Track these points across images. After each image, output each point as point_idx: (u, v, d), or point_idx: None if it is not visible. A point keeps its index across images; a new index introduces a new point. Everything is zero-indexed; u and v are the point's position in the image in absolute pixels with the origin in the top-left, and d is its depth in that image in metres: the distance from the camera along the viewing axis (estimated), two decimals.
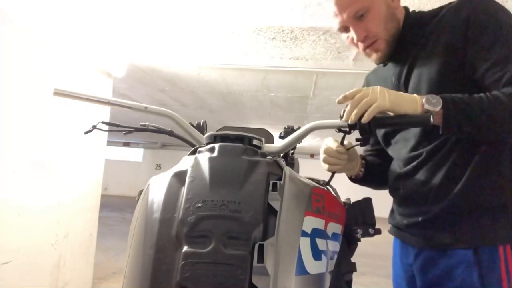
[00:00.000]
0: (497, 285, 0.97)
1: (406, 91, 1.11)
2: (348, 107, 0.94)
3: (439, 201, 1.06)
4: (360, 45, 1.12)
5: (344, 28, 1.12)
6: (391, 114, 0.95)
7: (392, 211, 1.26)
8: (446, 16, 1.07)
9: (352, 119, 0.93)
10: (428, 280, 1.10)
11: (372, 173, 1.30)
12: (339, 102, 0.97)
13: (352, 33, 1.11)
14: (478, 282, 0.99)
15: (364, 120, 0.91)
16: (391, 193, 1.25)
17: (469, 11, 1.02)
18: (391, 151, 1.23)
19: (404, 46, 1.13)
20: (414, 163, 1.12)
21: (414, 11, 1.17)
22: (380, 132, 1.25)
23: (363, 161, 1.29)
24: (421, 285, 1.12)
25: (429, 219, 1.08)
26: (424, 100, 0.93)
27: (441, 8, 1.11)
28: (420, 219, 1.10)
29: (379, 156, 1.34)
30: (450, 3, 1.09)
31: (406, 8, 1.17)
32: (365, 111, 0.91)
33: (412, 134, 1.12)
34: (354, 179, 1.31)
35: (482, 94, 0.95)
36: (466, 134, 0.98)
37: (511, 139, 1.01)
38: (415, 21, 1.13)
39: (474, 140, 1.02)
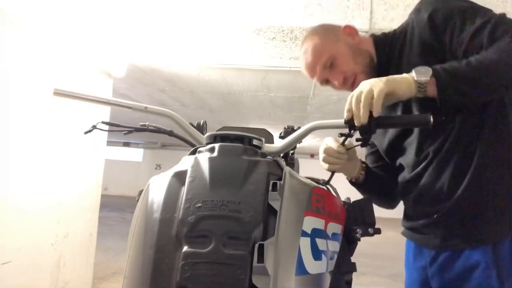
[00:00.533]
0: None
1: (405, 110, 1.12)
2: (354, 110, 0.93)
3: (451, 196, 1.06)
4: (345, 87, 1.17)
5: (325, 81, 1.19)
6: (392, 113, 0.95)
7: (404, 215, 1.26)
8: (411, 23, 1.12)
9: (363, 119, 0.92)
10: (444, 283, 1.09)
11: (374, 179, 1.29)
12: (348, 117, 0.95)
13: (333, 82, 1.18)
14: (496, 282, 0.98)
15: (376, 113, 0.92)
16: (402, 198, 1.25)
17: (428, 8, 1.06)
18: (400, 161, 1.23)
19: (385, 70, 1.14)
20: (422, 165, 1.12)
21: (382, 33, 1.21)
22: (382, 147, 1.25)
23: (364, 165, 1.28)
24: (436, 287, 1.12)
25: (443, 216, 1.08)
26: (414, 74, 0.95)
27: (406, 21, 1.17)
28: (435, 216, 1.10)
29: (381, 171, 1.33)
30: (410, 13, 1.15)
31: (373, 35, 1.21)
32: (370, 105, 0.91)
33: (414, 136, 1.13)
34: (354, 183, 1.30)
35: (470, 57, 0.97)
36: (464, 96, 0.97)
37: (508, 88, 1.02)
38: (384, 44, 1.18)
39: (476, 131, 1.03)
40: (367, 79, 1.11)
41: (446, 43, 1.03)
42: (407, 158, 1.17)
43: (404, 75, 0.97)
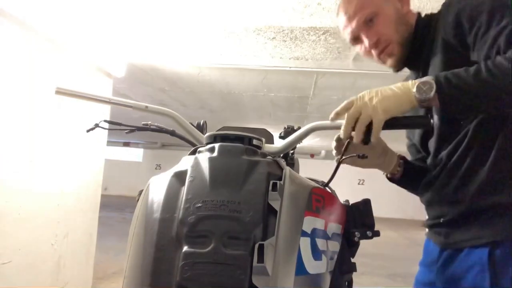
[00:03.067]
0: (509, 285, 0.96)
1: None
2: (344, 123, 0.91)
3: (457, 203, 1.06)
4: (374, 51, 1.13)
5: (356, 39, 1.14)
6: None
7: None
8: (441, 15, 1.07)
9: (356, 139, 0.91)
10: (445, 279, 1.10)
11: (414, 174, 1.25)
12: (332, 120, 0.94)
13: (364, 41, 1.12)
14: (488, 285, 0.98)
15: (374, 139, 0.90)
16: (421, 199, 1.24)
17: (459, 5, 1.01)
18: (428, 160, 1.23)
19: (417, 51, 1.12)
20: (437, 169, 1.12)
21: (426, 14, 1.16)
22: (415, 143, 1.24)
23: (401, 160, 1.24)
24: (439, 284, 1.12)
25: (449, 220, 1.09)
26: (415, 91, 0.89)
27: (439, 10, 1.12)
28: (441, 220, 1.11)
29: (423, 162, 1.30)
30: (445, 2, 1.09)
31: (419, 13, 1.16)
32: (365, 129, 0.90)
33: (434, 139, 1.13)
34: (391, 179, 1.27)
35: (482, 62, 0.89)
36: (469, 110, 0.94)
37: None
38: (424, 25, 1.12)
39: (488, 140, 1.01)
40: (399, 51, 1.11)
41: (470, 45, 0.98)
42: (429, 160, 1.18)
43: (408, 89, 0.91)
